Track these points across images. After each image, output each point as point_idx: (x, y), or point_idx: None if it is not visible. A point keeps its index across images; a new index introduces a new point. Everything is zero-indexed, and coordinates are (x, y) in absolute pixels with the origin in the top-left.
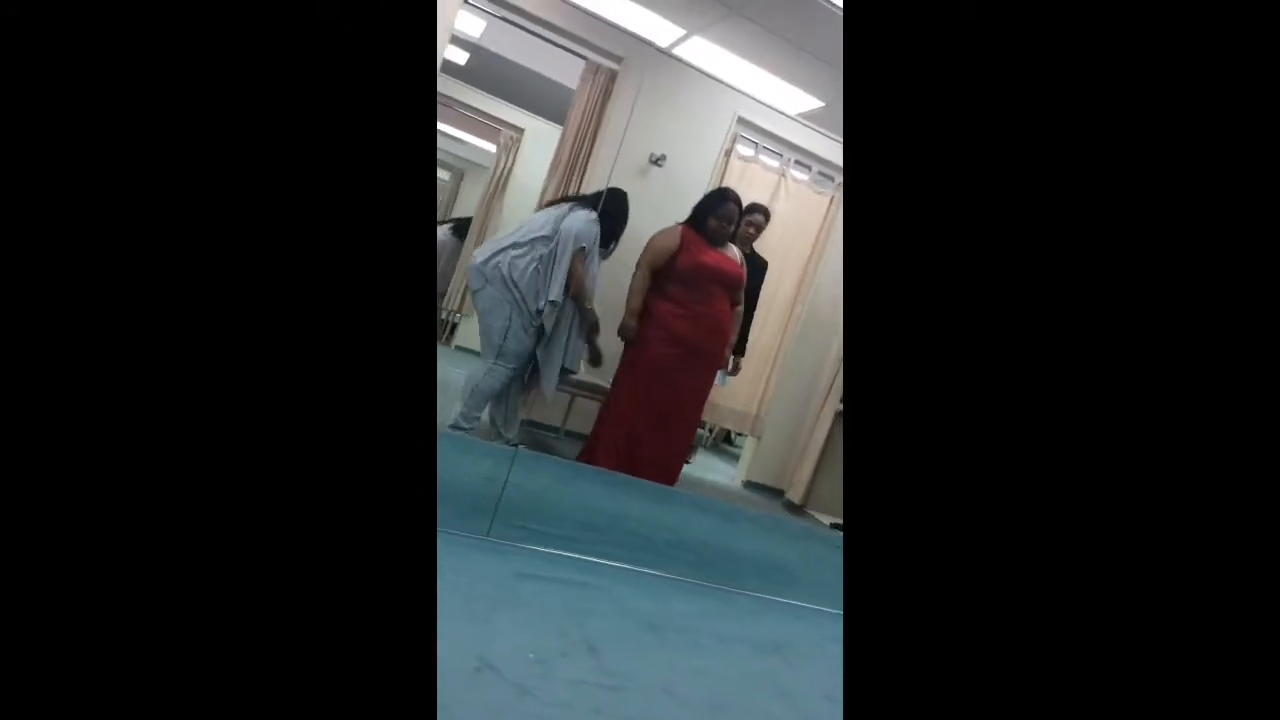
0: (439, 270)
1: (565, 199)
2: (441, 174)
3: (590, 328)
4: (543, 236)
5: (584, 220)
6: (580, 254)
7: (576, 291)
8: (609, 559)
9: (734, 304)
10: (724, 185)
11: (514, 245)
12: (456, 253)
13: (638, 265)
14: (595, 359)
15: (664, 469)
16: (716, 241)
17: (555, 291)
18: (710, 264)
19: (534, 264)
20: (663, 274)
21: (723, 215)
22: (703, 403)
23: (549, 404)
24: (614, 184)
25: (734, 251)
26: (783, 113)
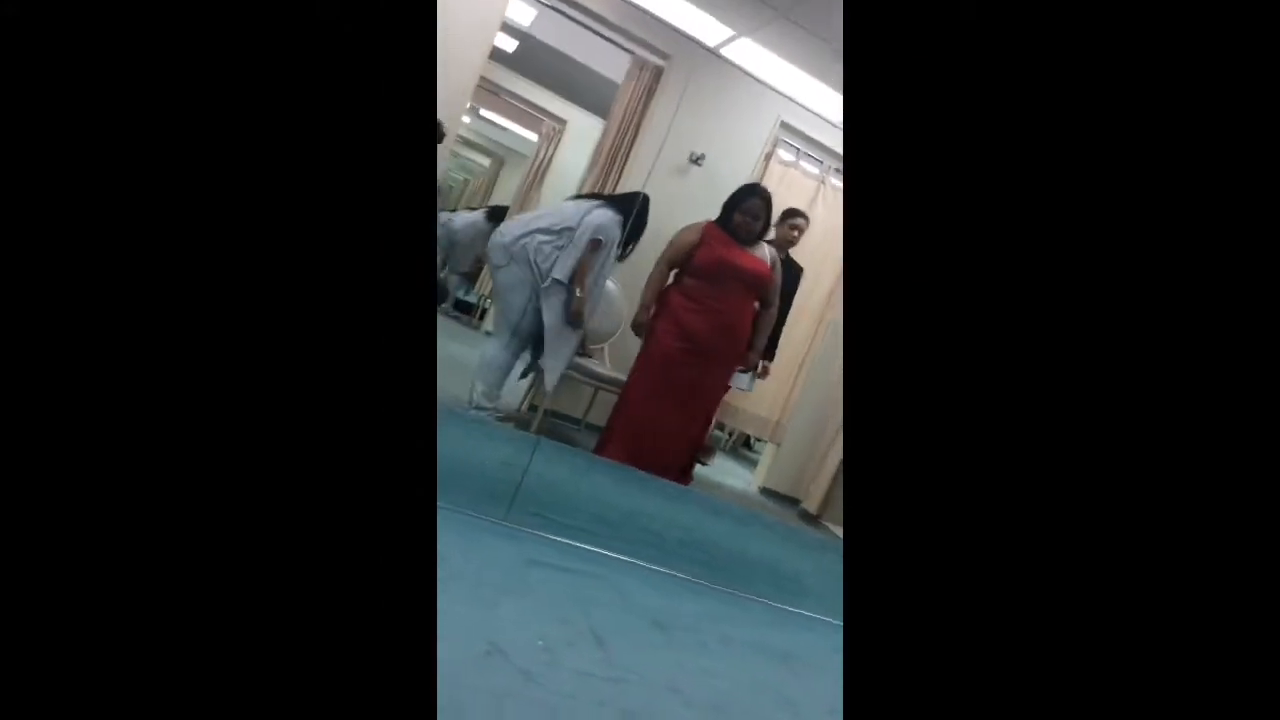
0: (471, 251)
1: (595, 195)
2: (481, 159)
3: (574, 313)
4: (570, 227)
5: (608, 216)
6: (595, 244)
7: (577, 277)
8: (621, 553)
9: (764, 304)
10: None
11: (542, 230)
12: (488, 237)
13: (658, 259)
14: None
15: (671, 467)
16: (744, 239)
17: (560, 272)
18: (730, 260)
19: (557, 252)
20: (682, 269)
21: (748, 210)
22: (714, 402)
23: (553, 391)
24: (653, 181)
25: (764, 251)
26: (826, 119)
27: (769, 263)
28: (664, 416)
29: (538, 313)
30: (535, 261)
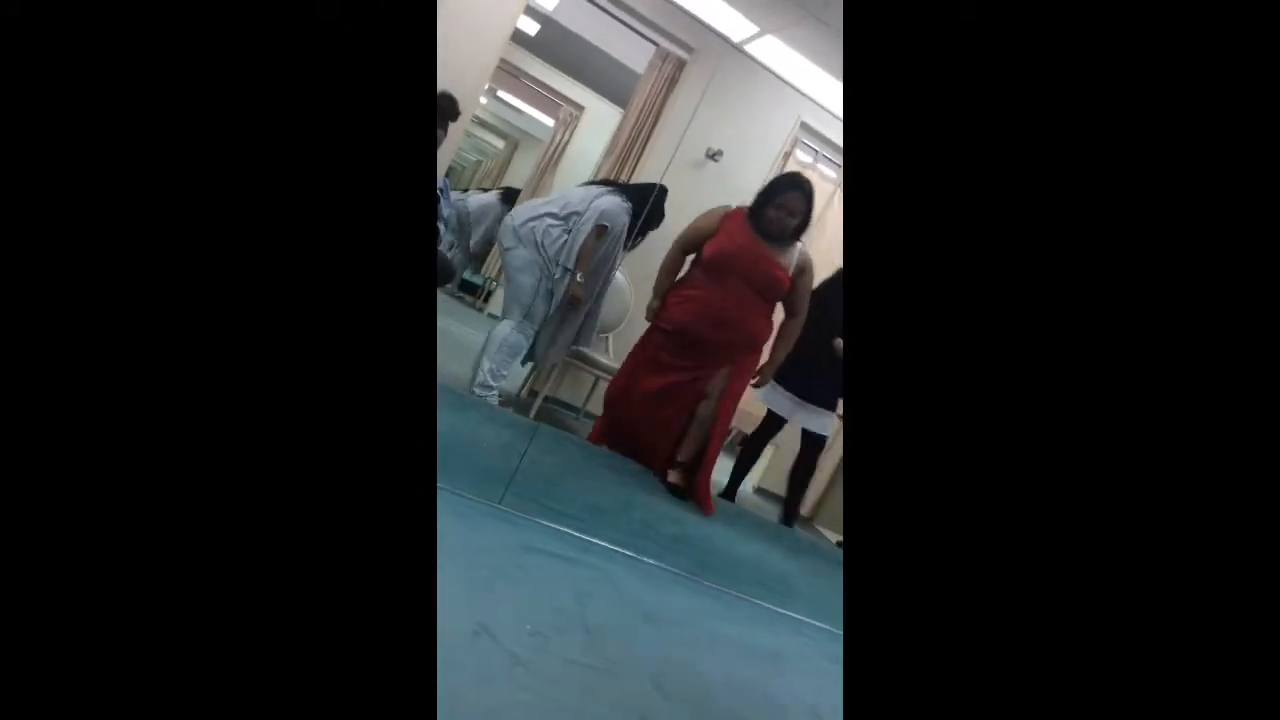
0: (483, 233)
1: (607, 182)
2: (495, 141)
3: (571, 297)
4: (577, 213)
5: (615, 203)
6: (600, 230)
7: (578, 261)
8: (614, 544)
9: (789, 312)
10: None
11: (550, 215)
12: (500, 219)
13: (674, 241)
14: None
15: (653, 462)
16: (774, 235)
17: (570, 259)
18: (739, 257)
19: (564, 236)
20: (696, 257)
21: (785, 205)
22: (696, 402)
23: (550, 375)
24: (670, 174)
25: (792, 254)
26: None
27: (790, 269)
28: (641, 408)
29: (549, 295)
30: (543, 245)
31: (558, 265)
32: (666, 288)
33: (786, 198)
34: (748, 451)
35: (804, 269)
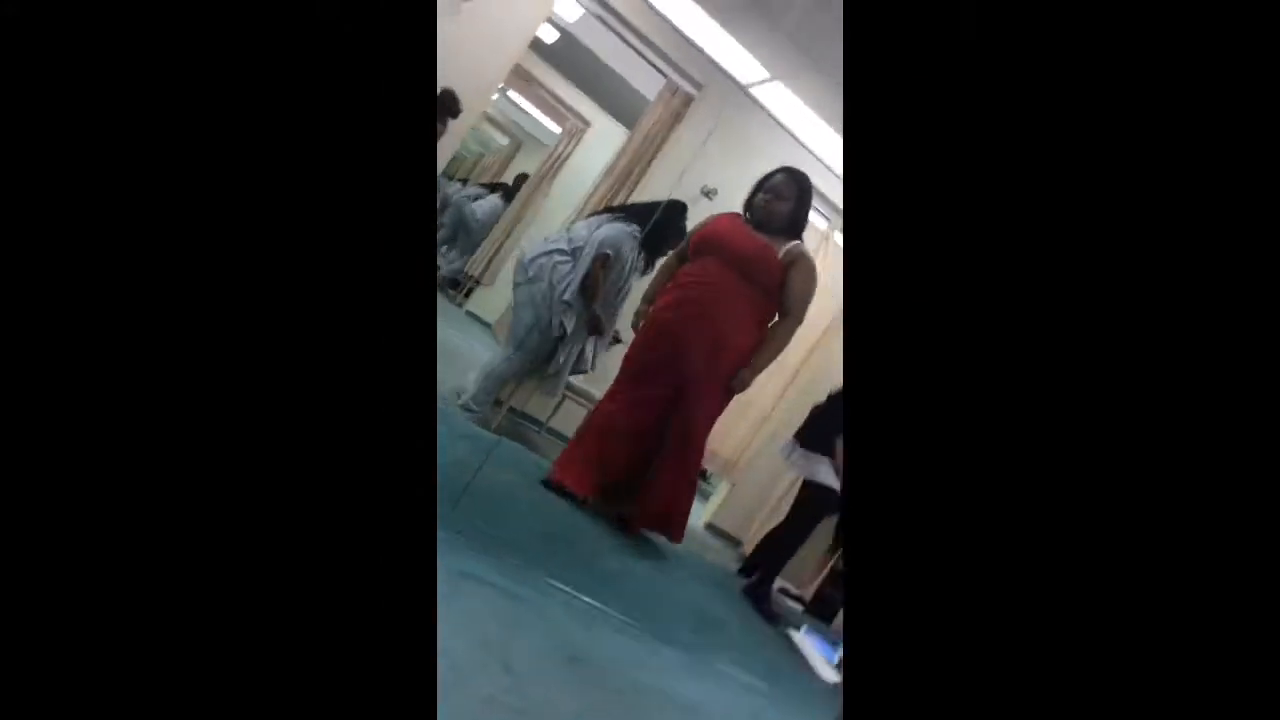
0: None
1: (612, 208)
2: (500, 138)
3: (592, 324)
4: (580, 247)
5: (618, 230)
6: (602, 260)
7: (590, 294)
8: (553, 577)
9: (782, 311)
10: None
11: (559, 251)
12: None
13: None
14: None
15: (607, 499)
16: (763, 223)
17: (569, 292)
18: (720, 237)
19: (572, 273)
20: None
21: (771, 189)
22: (657, 422)
23: (518, 387)
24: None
25: (785, 244)
26: (840, 177)
27: (781, 253)
28: (612, 431)
29: (545, 330)
30: (552, 281)
31: (560, 301)
32: (654, 294)
33: (774, 182)
34: (782, 543)
35: (797, 261)
